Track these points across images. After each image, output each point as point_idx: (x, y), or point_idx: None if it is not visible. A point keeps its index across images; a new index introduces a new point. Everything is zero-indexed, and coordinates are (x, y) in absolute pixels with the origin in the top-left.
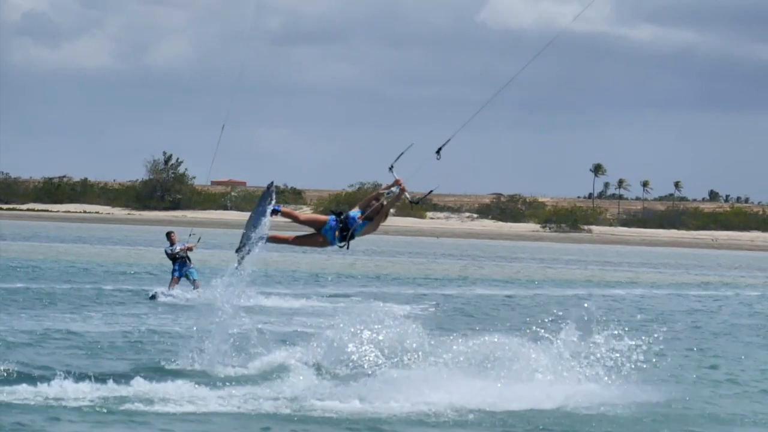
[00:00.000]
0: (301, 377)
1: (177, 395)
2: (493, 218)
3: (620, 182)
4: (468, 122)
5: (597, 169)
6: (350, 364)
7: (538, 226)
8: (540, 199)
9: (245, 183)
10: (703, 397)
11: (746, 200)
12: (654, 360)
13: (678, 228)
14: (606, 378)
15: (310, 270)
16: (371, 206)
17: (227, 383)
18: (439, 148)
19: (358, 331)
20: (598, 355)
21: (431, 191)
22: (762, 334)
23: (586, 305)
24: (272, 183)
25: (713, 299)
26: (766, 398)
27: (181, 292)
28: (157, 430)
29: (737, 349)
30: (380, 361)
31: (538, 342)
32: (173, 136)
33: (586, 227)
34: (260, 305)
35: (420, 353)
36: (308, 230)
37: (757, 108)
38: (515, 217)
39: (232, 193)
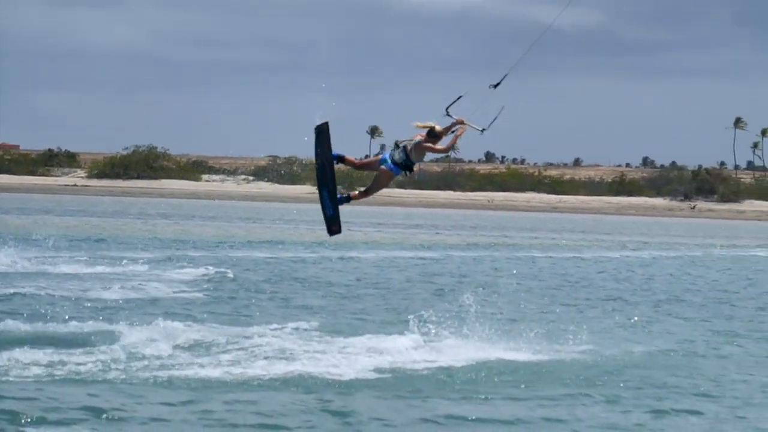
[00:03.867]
0: None
1: None
2: (269, 180)
3: (396, 144)
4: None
5: (373, 131)
6: None
7: (313, 188)
8: None
9: (18, 146)
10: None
11: (522, 161)
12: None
13: (454, 189)
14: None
15: (100, 234)
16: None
17: None
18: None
19: None
20: None
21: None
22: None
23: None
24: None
25: (491, 260)
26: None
27: None
28: None
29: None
30: None
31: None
32: None
33: (361, 188)
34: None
35: None
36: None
37: (536, 70)
38: (292, 179)
39: None
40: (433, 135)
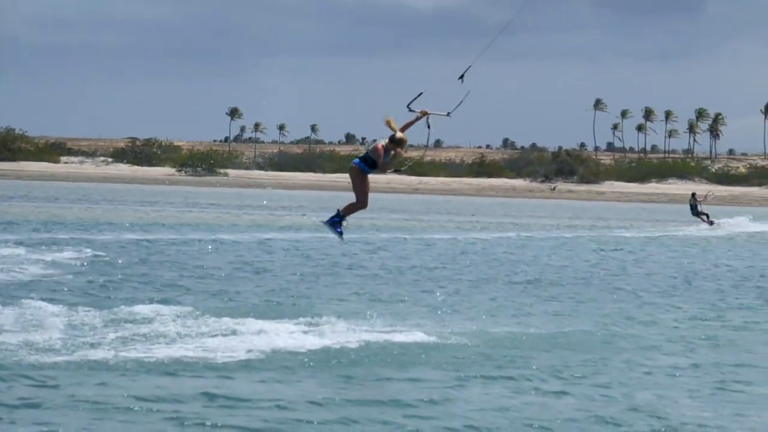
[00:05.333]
0: None
1: None
2: (128, 162)
3: (256, 126)
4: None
5: (233, 113)
6: None
7: (173, 170)
8: (176, 143)
9: None
10: None
11: None
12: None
13: (315, 171)
14: None
15: None
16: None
17: None
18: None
19: None
20: None
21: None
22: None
23: None
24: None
25: (364, 242)
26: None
27: None
28: None
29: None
30: None
31: None
32: None
33: (222, 171)
34: None
35: None
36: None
37: (391, 52)
38: (151, 160)
39: None
40: (393, 140)
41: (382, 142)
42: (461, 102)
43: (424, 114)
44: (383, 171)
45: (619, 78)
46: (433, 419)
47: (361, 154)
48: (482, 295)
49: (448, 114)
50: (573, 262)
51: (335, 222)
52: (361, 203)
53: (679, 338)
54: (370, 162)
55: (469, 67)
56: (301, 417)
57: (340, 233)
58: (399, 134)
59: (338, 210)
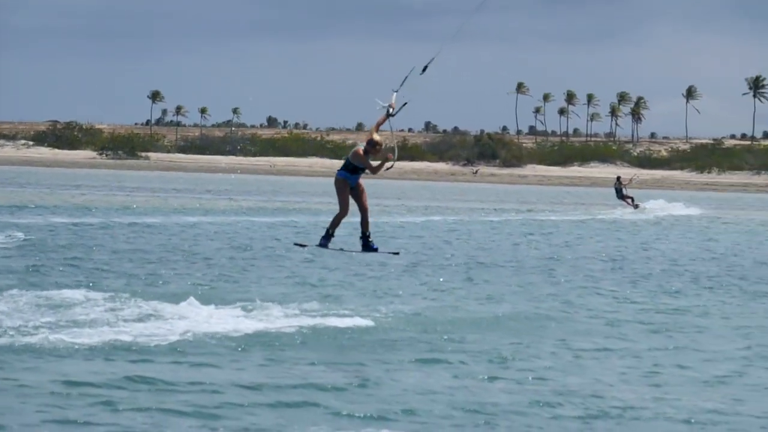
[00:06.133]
0: None
1: None
2: (49, 145)
3: (178, 109)
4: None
5: (155, 96)
6: None
7: (95, 153)
8: (97, 126)
9: None
10: None
11: (304, 126)
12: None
13: (236, 154)
14: None
15: None
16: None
17: None
18: None
19: None
20: None
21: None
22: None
23: None
24: None
25: (293, 225)
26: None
27: None
28: None
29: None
30: None
31: None
32: None
33: (143, 154)
34: None
35: None
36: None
37: (314, 35)
38: (72, 144)
39: None
40: (371, 143)
41: (362, 146)
42: (402, 106)
43: (389, 112)
44: (375, 172)
45: (541, 61)
46: (365, 403)
47: (342, 165)
48: (415, 278)
49: (405, 104)
50: (503, 246)
51: (325, 240)
52: (344, 213)
53: (611, 322)
54: (352, 168)
55: (432, 59)
56: (228, 400)
57: (324, 245)
58: (376, 137)
59: (327, 230)
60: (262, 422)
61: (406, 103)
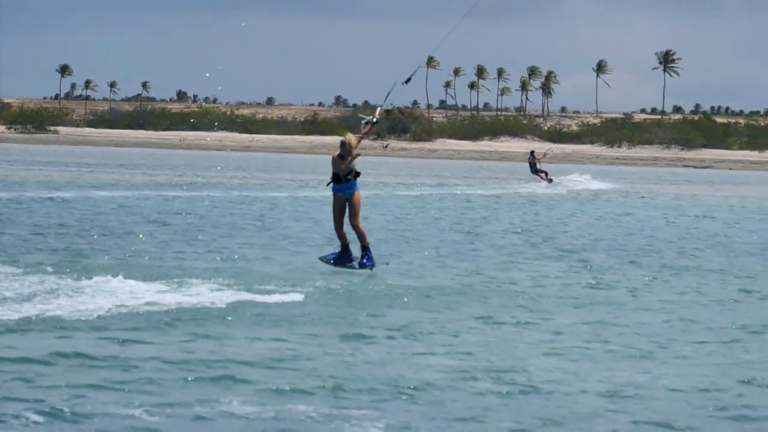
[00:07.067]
0: None
1: None
2: None
3: (87, 83)
4: None
5: (64, 70)
6: None
7: (3, 128)
8: (5, 100)
9: None
10: None
11: (214, 100)
12: None
13: (146, 128)
14: None
15: None
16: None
17: None
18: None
19: None
20: None
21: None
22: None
23: None
24: None
25: (209, 200)
26: None
27: None
28: None
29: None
30: None
31: None
32: None
33: (53, 128)
34: None
35: None
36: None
37: (224, 10)
38: None
39: None
40: (342, 147)
41: (336, 153)
42: (387, 112)
43: (371, 123)
44: (359, 142)
45: (451, 35)
46: (287, 377)
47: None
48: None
49: (388, 112)
50: (423, 220)
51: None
52: (335, 225)
53: (532, 297)
54: (335, 177)
55: (416, 71)
56: (150, 376)
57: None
58: (349, 136)
59: (348, 250)
60: (184, 397)
61: (389, 111)
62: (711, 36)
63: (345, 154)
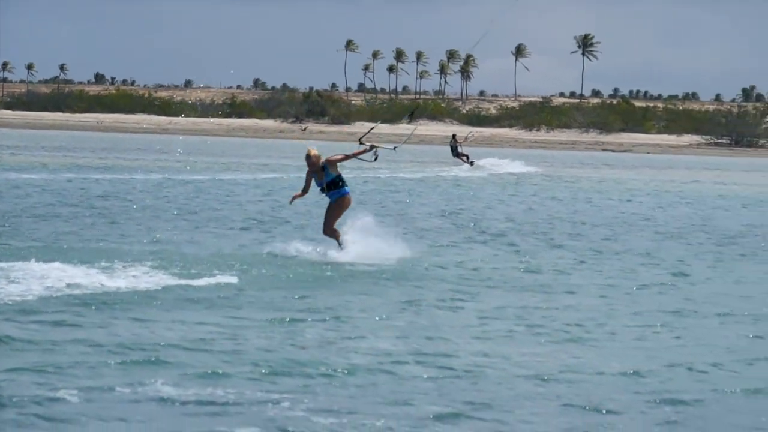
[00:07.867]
0: None
1: None
2: None
3: (4, 65)
4: None
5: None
6: None
7: None
8: None
9: None
10: None
11: (132, 83)
12: None
13: (63, 111)
14: None
15: None
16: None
17: None
18: None
19: None
20: None
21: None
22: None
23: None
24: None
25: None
26: None
27: None
28: None
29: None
30: None
31: None
32: None
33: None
34: None
35: None
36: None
37: None
38: None
39: None
40: (308, 158)
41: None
42: (407, 139)
43: (373, 147)
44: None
45: (370, 19)
46: (209, 361)
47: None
48: (271, 238)
49: (394, 148)
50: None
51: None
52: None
53: (463, 281)
54: (322, 187)
55: (417, 106)
56: (72, 359)
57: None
58: (309, 152)
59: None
60: (110, 380)
61: (395, 147)
62: (630, 21)
63: (310, 166)
